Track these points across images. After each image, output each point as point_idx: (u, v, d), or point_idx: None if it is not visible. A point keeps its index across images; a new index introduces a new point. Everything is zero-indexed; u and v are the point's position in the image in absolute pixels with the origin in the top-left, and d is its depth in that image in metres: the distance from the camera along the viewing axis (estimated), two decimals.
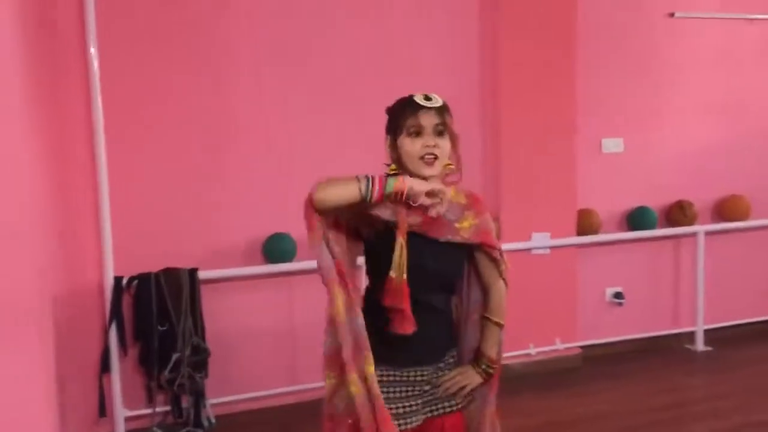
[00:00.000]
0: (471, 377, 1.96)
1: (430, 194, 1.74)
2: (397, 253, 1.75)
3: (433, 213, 1.78)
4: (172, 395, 3.62)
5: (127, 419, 3.62)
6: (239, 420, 3.78)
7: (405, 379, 1.90)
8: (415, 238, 1.80)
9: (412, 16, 4.15)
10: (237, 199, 3.83)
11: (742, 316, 5.10)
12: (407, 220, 1.78)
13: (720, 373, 4.42)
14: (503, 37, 4.25)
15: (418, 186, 1.73)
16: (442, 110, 1.81)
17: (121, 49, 3.56)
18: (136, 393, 3.65)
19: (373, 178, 1.73)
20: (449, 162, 1.86)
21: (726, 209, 4.98)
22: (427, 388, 1.93)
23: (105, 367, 3.54)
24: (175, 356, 3.51)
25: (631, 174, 4.78)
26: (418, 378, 1.91)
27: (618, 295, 4.77)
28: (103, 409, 3.52)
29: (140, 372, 3.64)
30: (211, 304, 3.70)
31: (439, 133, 1.80)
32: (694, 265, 4.83)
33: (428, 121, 1.78)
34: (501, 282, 1.97)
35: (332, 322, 1.79)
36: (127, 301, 3.60)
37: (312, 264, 1.93)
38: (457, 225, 1.86)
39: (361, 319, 1.79)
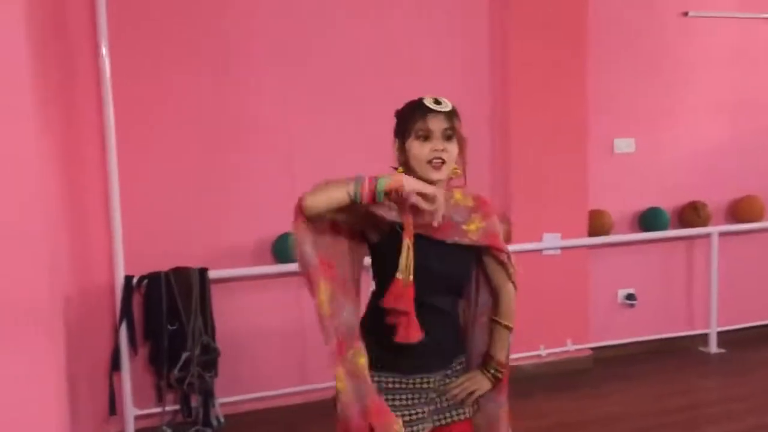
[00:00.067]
0: (479, 383, 1.93)
1: (422, 196, 1.70)
2: (404, 254, 1.74)
3: (428, 218, 1.75)
4: (182, 394, 3.63)
5: (137, 418, 3.63)
6: (248, 419, 3.79)
7: (411, 386, 1.86)
8: (421, 240, 1.78)
9: (421, 16, 4.14)
10: (246, 200, 3.84)
11: (757, 318, 5.05)
12: (414, 221, 1.77)
13: (734, 376, 4.38)
14: (513, 36, 4.23)
15: (411, 184, 1.70)
16: (451, 115, 1.80)
17: (132, 51, 3.59)
18: (145, 392, 3.66)
19: (364, 179, 1.71)
20: (456, 167, 1.84)
21: (740, 210, 4.92)
22: (434, 395, 1.90)
23: (115, 365, 3.56)
24: (184, 355, 3.53)
25: (643, 174, 4.74)
26: (424, 385, 1.87)
27: (630, 297, 4.74)
28: (113, 407, 3.54)
29: (150, 371, 3.66)
30: (220, 303, 3.71)
31: (448, 138, 1.79)
32: (707, 267, 4.78)
33: (437, 125, 1.77)
34: (510, 285, 1.95)
35: (319, 316, 1.78)
36: (137, 300, 3.62)
37: None
38: (464, 227, 1.85)
39: (349, 312, 1.78)
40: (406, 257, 1.74)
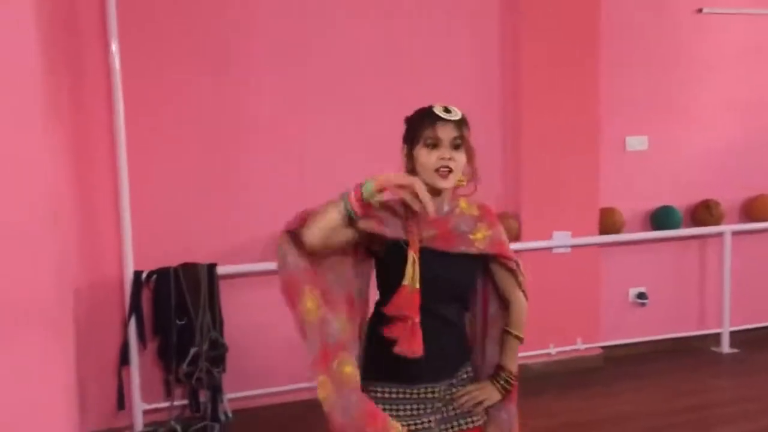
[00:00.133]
0: (489, 392, 1.90)
1: (400, 187, 1.69)
2: (409, 266, 1.73)
3: (417, 207, 1.71)
4: (190, 389, 3.63)
5: (146, 412, 3.65)
6: (256, 415, 3.79)
7: (416, 396, 1.84)
8: (427, 252, 1.77)
9: (431, 16, 4.13)
10: (255, 196, 3.84)
11: None
12: (419, 234, 1.77)
13: (746, 376, 4.33)
14: (524, 34, 4.21)
15: (390, 179, 1.69)
16: (461, 123, 1.78)
17: (142, 50, 3.60)
18: (154, 387, 3.67)
19: (349, 192, 1.71)
20: (462, 177, 1.83)
21: (754, 209, 4.87)
22: (439, 405, 1.86)
23: (124, 360, 3.58)
24: (193, 350, 3.53)
25: (656, 172, 4.70)
26: (429, 395, 1.84)
27: (641, 296, 4.70)
28: (121, 401, 3.55)
29: (159, 366, 3.67)
30: (229, 299, 3.71)
31: (456, 147, 1.77)
32: (720, 266, 4.73)
33: (446, 133, 1.76)
34: (520, 294, 1.93)
35: (302, 323, 1.76)
36: (146, 295, 3.63)
37: None
38: (471, 236, 1.84)
39: (337, 328, 1.76)
40: (412, 269, 1.73)
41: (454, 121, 1.77)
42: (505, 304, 1.95)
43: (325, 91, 3.94)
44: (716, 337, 4.79)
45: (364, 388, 1.82)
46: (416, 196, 1.68)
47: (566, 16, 4.25)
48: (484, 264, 1.92)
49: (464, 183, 1.84)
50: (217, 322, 3.62)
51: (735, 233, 4.72)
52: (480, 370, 1.96)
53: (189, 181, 3.73)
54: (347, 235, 1.77)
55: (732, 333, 4.76)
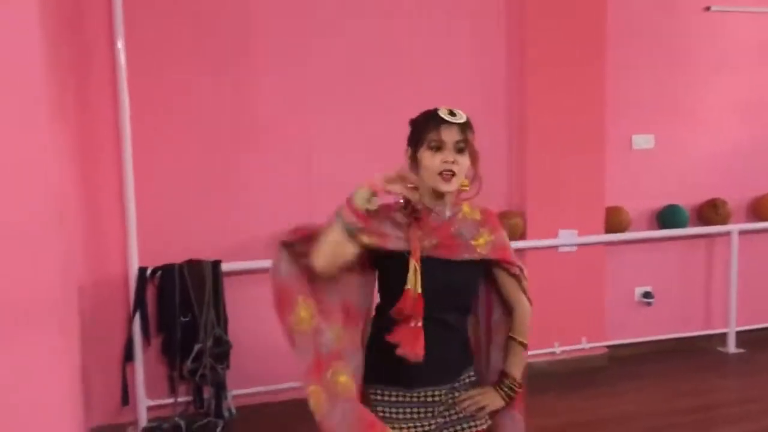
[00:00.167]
0: (492, 398, 1.89)
1: (389, 181, 1.69)
2: (411, 274, 1.74)
3: (407, 195, 1.72)
4: (194, 386, 3.64)
5: (150, 408, 3.66)
6: (260, 412, 3.79)
7: (416, 400, 1.83)
8: (430, 261, 1.77)
9: (436, 16, 4.11)
10: (259, 193, 3.84)
11: None
12: (420, 244, 1.76)
13: (752, 376, 4.31)
14: (530, 32, 4.19)
15: (378, 178, 1.70)
16: (465, 127, 1.78)
17: (147, 47, 3.60)
18: (158, 383, 3.68)
19: (342, 207, 1.71)
20: (465, 181, 1.82)
21: (761, 208, 4.84)
22: (441, 409, 1.86)
23: (129, 356, 3.58)
24: (197, 347, 3.54)
25: (662, 171, 4.67)
26: (429, 399, 1.84)
27: (647, 295, 4.68)
28: (126, 397, 3.56)
29: (163, 362, 3.67)
30: (233, 296, 3.72)
31: (460, 150, 1.77)
32: (726, 265, 4.71)
33: (450, 136, 1.75)
34: (524, 299, 1.92)
35: (292, 332, 1.76)
36: (151, 292, 3.63)
37: None
38: (473, 242, 1.83)
39: (330, 338, 1.76)
40: (414, 277, 1.73)
41: (458, 125, 1.76)
42: (508, 309, 1.94)
43: (329, 90, 3.93)
44: (722, 337, 4.77)
45: (366, 391, 1.83)
46: (407, 184, 1.69)
47: (573, 13, 4.23)
48: (487, 269, 1.91)
49: (468, 187, 1.84)
50: (222, 319, 3.63)
51: (742, 232, 4.69)
52: (485, 376, 1.95)
53: (194, 178, 3.74)
54: (352, 251, 1.76)
55: (738, 333, 4.74)
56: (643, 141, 4.64)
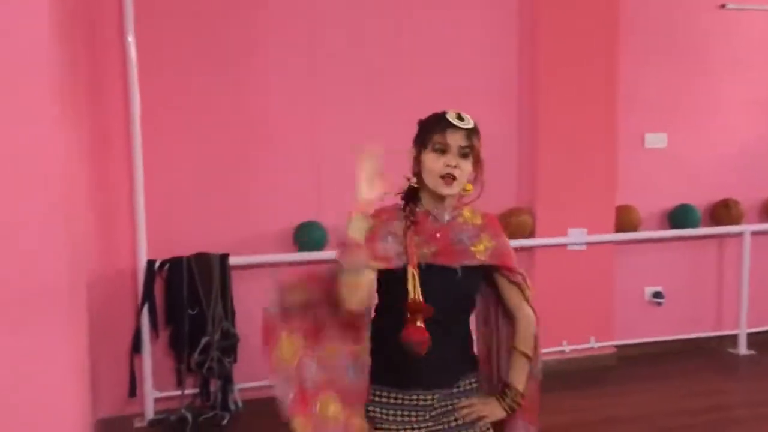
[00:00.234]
0: (492, 409, 1.85)
1: (368, 182, 1.67)
2: (410, 282, 1.72)
3: (389, 190, 1.70)
4: (201, 378, 3.65)
5: (157, 400, 3.67)
6: (266, 405, 3.76)
7: (408, 402, 1.81)
8: (428, 268, 1.75)
9: (448, 11, 4.10)
10: (269, 187, 3.85)
11: None
12: (419, 251, 1.75)
13: (762, 378, 4.27)
14: (543, 28, 4.17)
15: (360, 199, 1.68)
16: (471, 133, 1.76)
17: (158, 41, 3.61)
18: (165, 375, 3.70)
19: (342, 250, 1.67)
20: (469, 186, 1.81)
21: None
22: (435, 414, 1.82)
23: (136, 348, 3.60)
24: (204, 340, 3.55)
25: (675, 170, 4.64)
26: (421, 402, 1.81)
27: (657, 295, 4.64)
28: (133, 389, 3.58)
29: (170, 355, 3.69)
30: (241, 290, 3.72)
31: (464, 155, 1.76)
32: (738, 266, 4.66)
33: (455, 141, 1.74)
34: (527, 308, 1.87)
35: (275, 368, 1.75)
36: (159, 284, 3.65)
37: None
38: (472, 248, 1.81)
39: (311, 373, 1.74)
40: (413, 285, 1.72)
41: (464, 130, 1.75)
42: (511, 319, 1.90)
43: (338, 87, 3.93)
44: (733, 339, 4.72)
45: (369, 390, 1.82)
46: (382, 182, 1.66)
47: (586, 10, 4.19)
48: (489, 275, 1.88)
49: (470, 191, 1.82)
50: (229, 312, 3.64)
51: (754, 233, 4.65)
52: (491, 386, 1.92)
53: (203, 172, 3.75)
54: (371, 277, 1.73)
55: (749, 334, 4.70)
56: (655, 140, 4.60)
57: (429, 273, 1.75)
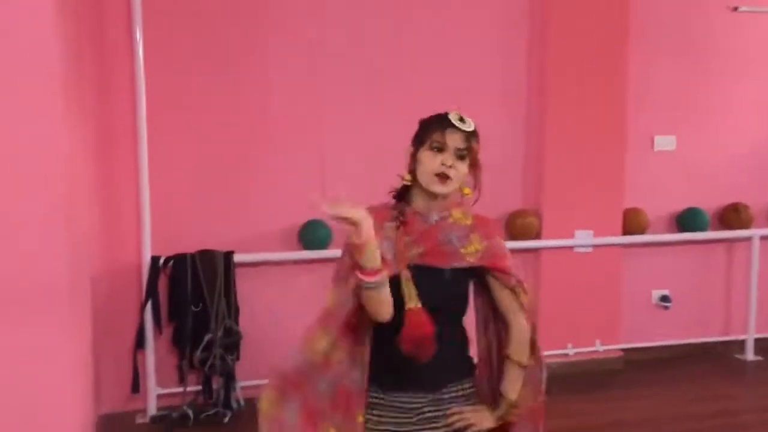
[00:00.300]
0: (481, 418, 1.80)
1: (344, 220, 1.58)
2: (404, 284, 1.70)
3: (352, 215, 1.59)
4: (204, 376, 3.65)
5: (159, 396, 3.67)
6: None
7: (391, 404, 1.79)
8: (416, 269, 1.72)
9: (456, 11, 4.08)
10: (274, 185, 3.84)
11: None
12: (408, 252, 1.73)
13: None
14: (552, 30, 4.14)
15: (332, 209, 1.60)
16: (470, 135, 1.75)
17: (165, 37, 3.61)
18: (168, 371, 3.69)
19: (360, 269, 1.62)
20: (467, 189, 1.79)
21: None
22: (422, 417, 1.78)
23: (140, 344, 3.59)
24: (207, 337, 3.54)
25: (684, 173, 4.59)
26: (407, 405, 1.78)
27: (664, 299, 4.60)
28: (136, 385, 3.57)
29: (173, 351, 3.69)
30: (245, 287, 3.72)
31: (461, 157, 1.74)
32: (747, 271, 4.61)
33: (453, 141, 1.73)
34: (521, 317, 1.82)
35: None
36: (163, 281, 3.64)
37: None
38: (462, 251, 1.77)
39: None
40: (407, 287, 1.70)
41: (464, 132, 1.74)
42: (505, 325, 1.85)
43: (343, 84, 3.91)
44: (740, 344, 4.68)
45: None
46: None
47: (595, 11, 4.16)
48: (483, 278, 1.84)
49: (469, 194, 1.79)
50: (233, 310, 3.63)
51: (764, 238, 4.60)
52: (492, 390, 1.88)
53: (208, 169, 3.74)
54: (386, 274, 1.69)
55: (757, 340, 4.65)
56: (665, 142, 4.56)
57: (417, 274, 1.72)
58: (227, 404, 3.62)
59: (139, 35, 3.50)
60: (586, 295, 4.28)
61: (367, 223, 1.56)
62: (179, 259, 3.59)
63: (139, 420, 3.64)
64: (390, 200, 1.83)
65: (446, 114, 1.77)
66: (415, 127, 1.84)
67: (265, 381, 3.80)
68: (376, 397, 1.80)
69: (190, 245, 3.64)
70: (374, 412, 1.80)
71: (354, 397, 1.77)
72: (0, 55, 2.18)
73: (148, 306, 3.57)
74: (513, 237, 4.15)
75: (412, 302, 1.69)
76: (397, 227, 1.76)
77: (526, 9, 4.19)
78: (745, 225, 4.60)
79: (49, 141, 2.29)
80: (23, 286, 2.27)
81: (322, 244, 3.82)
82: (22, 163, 2.23)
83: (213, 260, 3.60)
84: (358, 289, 1.66)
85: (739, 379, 4.35)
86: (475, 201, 1.81)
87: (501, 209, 4.18)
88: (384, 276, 1.63)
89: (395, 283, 1.70)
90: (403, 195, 1.82)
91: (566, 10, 4.14)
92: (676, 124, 4.56)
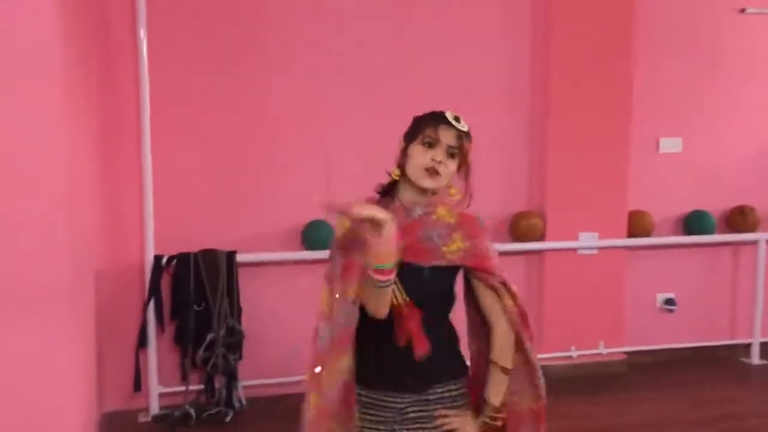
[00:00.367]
0: (464, 423, 1.78)
1: (369, 221, 1.54)
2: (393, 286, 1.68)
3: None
4: (206, 375, 3.65)
5: (161, 395, 3.67)
6: (270, 403, 3.79)
7: (373, 402, 1.78)
8: (399, 265, 1.65)
9: (460, 10, 4.07)
10: (277, 185, 3.84)
11: None
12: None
13: None
14: (556, 30, 4.12)
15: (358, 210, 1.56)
16: (463, 135, 1.74)
17: (169, 35, 3.62)
18: (171, 371, 3.69)
19: (381, 277, 1.59)
20: (453, 190, 1.78)
21: None
22: (405, 417, 1.77)
23: (142, 343, 3.60)
24: (210, 336, 3.54)
25: (690, 175, 4.57)
26: (390, 404, 1.77)
27: (669, 302, 4.58)
28: (138, 383, 3.57)
29: (175, 350, 3.69)
30: (248, 287, 3.72)
31: (451, 155, 1.74)
32: (753, 274, 4.58)
33: (446, 138, 1.72)
34: (503, 320, 1.79)
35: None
36: (166, 280, 3.65)
37: None
38: (444, 248, 1.75)
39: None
40: (397, 290, 1.70)
41: (457, 131, 1.73)
42: (489, 327, 1.82)
43: (345, 84, 3.91)
44: (746, 348, 4.65)
45: None
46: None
47: (600, 12, 4.14)
48: (468, 281, 1.82)
49: (458, 196, 1.77)
50: (235, 309, 3.63)
51: None
52: (479, 398, 1.85)
53: (212, 168, 3.75)
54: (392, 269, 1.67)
55: (762, 344, 4.62)
56: (671, 144, 4.53)
57: (399, 269, 1.65)
58: (229, 403, 3.63)
59: (143, 35, 3.51)
60: (591, 297, 4.26)
61: (391, 224, 1.53)
62: (182, 259, 3.59)
63: (142, 419, 3.65)
64: (375, 195, 1.81)
65: (442, 111, 1.77)
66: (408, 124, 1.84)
67: (268, 381, 3.79)
68: (359, 394, 1.79)
69: (193, 245, 3.64)
70: (361, 410, 1.79)
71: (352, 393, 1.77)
72: (0, 55, 2.18)
73: (151, 305, 3.58)
74: (517, 239, 4.14)
75: (400, 297, 1.69)
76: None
77: (529, 9, 4.18)
78: (752, 228, 4.57)
79: (49, 141, 2.29)
80: (24, 285, 2.27)
81: (325, 245, 3.80)
82: (22, 163, 2.24)
83: (216, 260, 3.60)
84: (368, 286, 1.62)
85: (745, 383, 4.31)
86: (468, 204, 1.80)
87: (505, 211, 4.17)
88: (394, 274, 1.61)
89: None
90: (389, 190, 1.80)
91: (570, 10, 4.12)
92: (683, 126, 4.54)
